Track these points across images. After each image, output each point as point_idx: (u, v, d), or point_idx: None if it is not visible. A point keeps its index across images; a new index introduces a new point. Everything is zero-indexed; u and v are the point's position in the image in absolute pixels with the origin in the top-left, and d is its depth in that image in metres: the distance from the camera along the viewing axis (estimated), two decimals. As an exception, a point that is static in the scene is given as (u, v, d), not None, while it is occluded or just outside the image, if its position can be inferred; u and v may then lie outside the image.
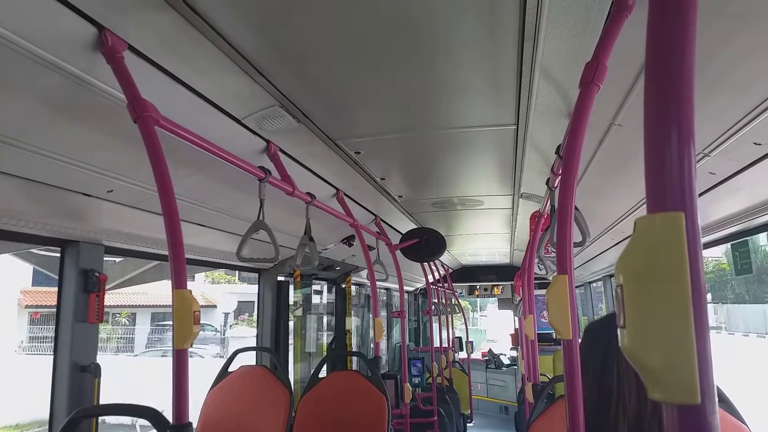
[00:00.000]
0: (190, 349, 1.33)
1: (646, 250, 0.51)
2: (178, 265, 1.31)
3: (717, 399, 0.49)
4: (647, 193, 0.53)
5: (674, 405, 0.48)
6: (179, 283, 1.30)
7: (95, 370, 2.14)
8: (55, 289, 2.16)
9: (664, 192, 0.51)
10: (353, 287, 5.66)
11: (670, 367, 0.48)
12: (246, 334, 19.02)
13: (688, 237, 0.50)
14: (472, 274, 9.36)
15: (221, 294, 23.14)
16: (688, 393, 0.47)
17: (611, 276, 5.59)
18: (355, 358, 5.41)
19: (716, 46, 1.23)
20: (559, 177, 1.41)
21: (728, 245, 2.84)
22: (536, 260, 2.99)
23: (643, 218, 0.52)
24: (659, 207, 0.51)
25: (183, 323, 1.28)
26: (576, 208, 1.58)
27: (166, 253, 1.33)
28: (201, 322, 1.32)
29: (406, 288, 6.86)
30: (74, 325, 2.10)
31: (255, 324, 4.02)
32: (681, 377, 0.48)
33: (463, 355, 9.26)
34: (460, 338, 9.13)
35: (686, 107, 0.53)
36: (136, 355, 17.53)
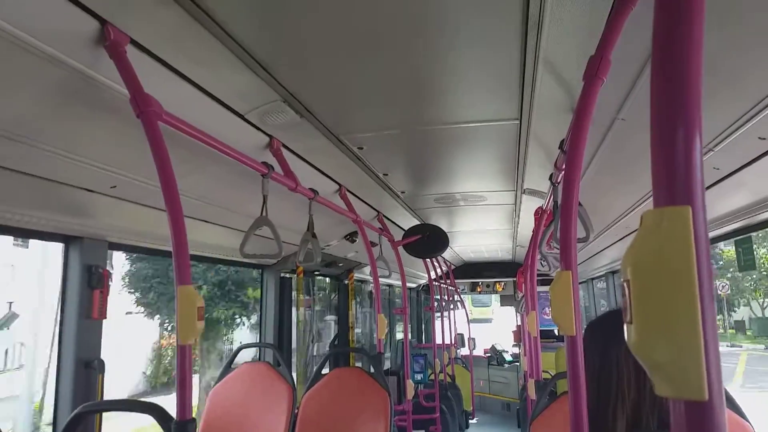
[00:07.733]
0: None
1: (653, 245, 0.50)
2: (182, 261, 1.31)
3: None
4: (654, 186, 0.52)
5: (682, 401, 0.48)
6: (183, 279, 1.30)
7: (100, 367, 2.15)
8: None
9: (671, 186, 0.51)
10: (356, 283, 5.66)
11: (678, 363, 0.48)
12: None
13: (696, 231, 0.49)
14: (475, 271, 9.37)
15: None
16: (695, 389, 0.47)
17: (614, 272, 5.58)
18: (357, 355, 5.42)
19: (721, 39, 1.22)
20: (563, 172, 1.40)
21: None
22: (539, 256, 2.98)
23: (650, 212, 0.51)
24: (666, 201, 0.51)
25: (187, 319, 1.28)
26: (579, 204, 1.58)
27: (170, 249, 1.33)
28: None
29: (408, 284, 6.86)
30: (78, 322, 2.11)
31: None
32: (688, 373, 0.47)
33: (465, 351, 9.28)
34: (462, 335, 9.13)
35: (693, 98, 0.52)
36: None
